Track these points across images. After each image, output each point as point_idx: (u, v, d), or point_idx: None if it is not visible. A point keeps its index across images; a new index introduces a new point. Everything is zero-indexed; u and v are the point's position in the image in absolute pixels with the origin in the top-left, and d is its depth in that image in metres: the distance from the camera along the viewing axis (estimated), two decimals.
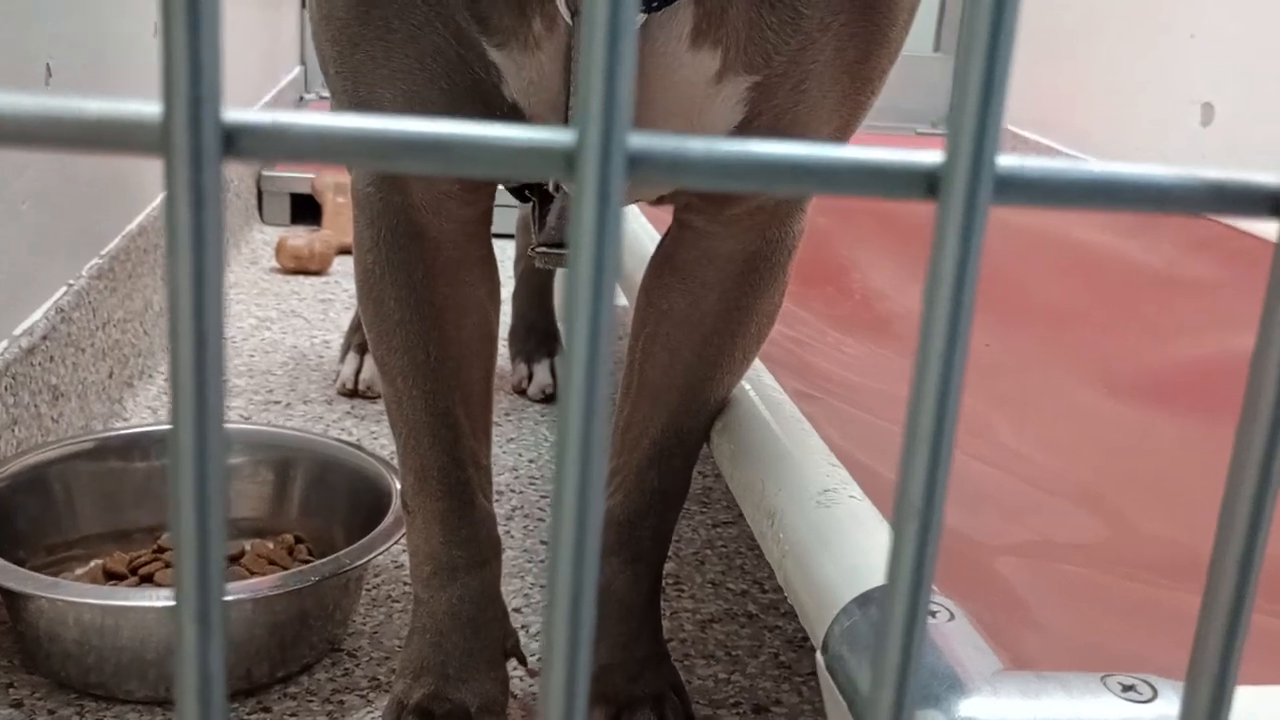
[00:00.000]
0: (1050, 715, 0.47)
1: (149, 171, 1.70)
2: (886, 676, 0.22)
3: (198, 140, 0.18)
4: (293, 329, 1.87)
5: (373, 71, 0.70)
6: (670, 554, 1.22)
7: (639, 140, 0.19)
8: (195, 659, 0.19)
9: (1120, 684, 0.48)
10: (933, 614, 0.53)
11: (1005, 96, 0.19)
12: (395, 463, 0.96)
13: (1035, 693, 0.48)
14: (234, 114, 0.18)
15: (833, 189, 0.20)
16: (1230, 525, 0.23)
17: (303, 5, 3.02)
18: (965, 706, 0.47)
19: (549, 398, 1.64)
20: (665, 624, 1.06)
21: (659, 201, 0.87)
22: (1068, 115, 2.56)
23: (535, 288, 1.68)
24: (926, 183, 0.20)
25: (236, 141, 0.18)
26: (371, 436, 1.48)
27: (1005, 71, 0.19)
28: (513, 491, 1.38)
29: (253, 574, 1.05)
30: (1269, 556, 0.78)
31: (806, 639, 1.14)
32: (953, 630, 0.52)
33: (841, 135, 0.76)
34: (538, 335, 1.68)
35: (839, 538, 0.62)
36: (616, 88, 0.18)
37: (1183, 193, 0.21)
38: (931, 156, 0.20)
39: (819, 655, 0.56)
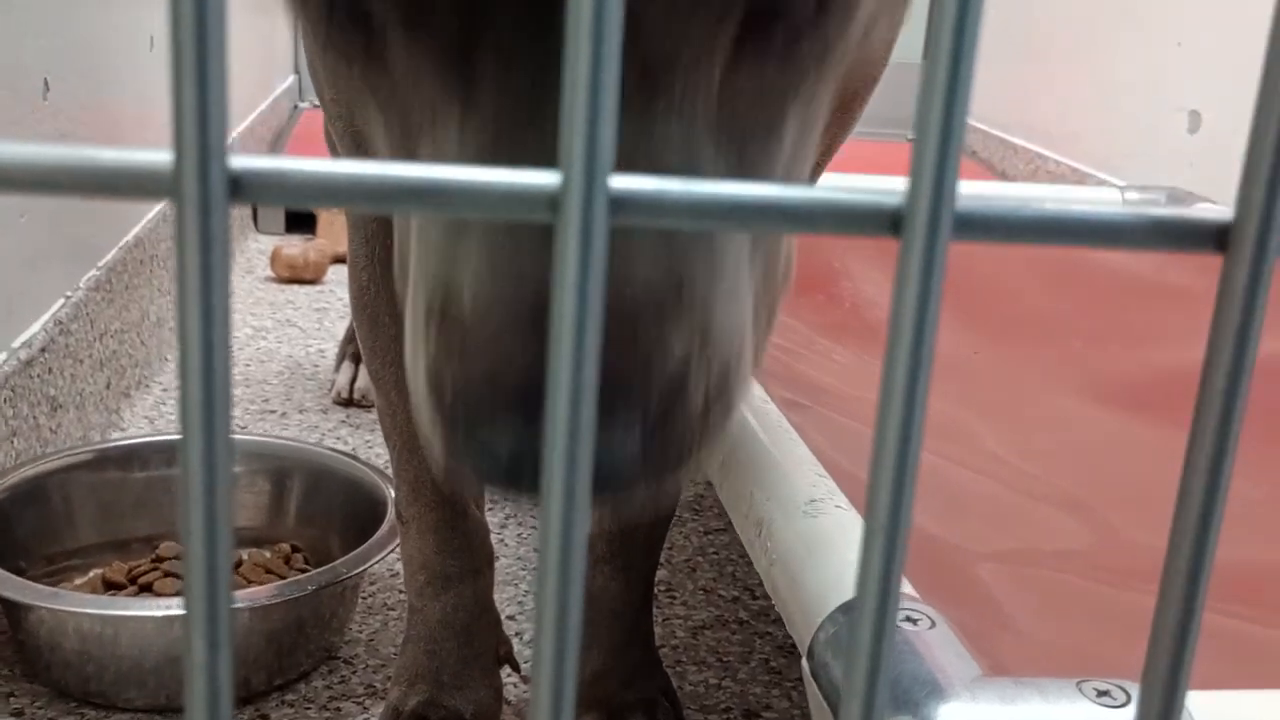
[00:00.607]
0: None
1: None
2: (856, 686, 0.23)
3: (206, 187, 0.19)
4: (288, 338, 1.89)
5: (369, 102, 0.71)
6: (662, 561, 1.23)
7: (620, 183, 0.20)
8: (204, 669, 0.21)
9: (1095, 689, 0.50)
10: (914, 621, 0.54)
11: (962, 141, 0.20)
12: (390, 472, 0.97)
13: (1012, 698, 0.49)
14: (240, 160, 0.20)
15: (803, 228, 0.21)
16: (1181, 532, 0.24)
17: None
18: (944, 712, 0.48)
19: None
20: (657, 630, 1.07)
21: None
22: (1056, 121, 2.57)
23: None
24: (890, 221, 0.21)
25: (242, 186, 0.20)
26: (366, 445, 1.50)
27: (962, 120, 0.20)
28: (506, 499, 1.39)
29: (250, 583, 1.06)
30: (1250, 564, 0.79)
31: (796, 645, 1.15)
32: (933, 637, 0.53)
33: (824, 159, 0.77)
34: None
35: (825, 547, 0.63)
36: (599, 133, 0.20)
37: (1132, 230, 0.22)
38: (895, 197, 0.21)
39: (804, 661, 0.57)
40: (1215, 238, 0.22)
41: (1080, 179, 2.39)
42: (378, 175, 0.20)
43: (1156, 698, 0.24)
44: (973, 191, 1.57)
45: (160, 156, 0.19)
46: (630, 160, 0.37)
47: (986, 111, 2.83)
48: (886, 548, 0.22)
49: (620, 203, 0.20)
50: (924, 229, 0.21)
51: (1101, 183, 2.28)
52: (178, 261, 0.20)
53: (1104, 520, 0.86)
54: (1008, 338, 1.25)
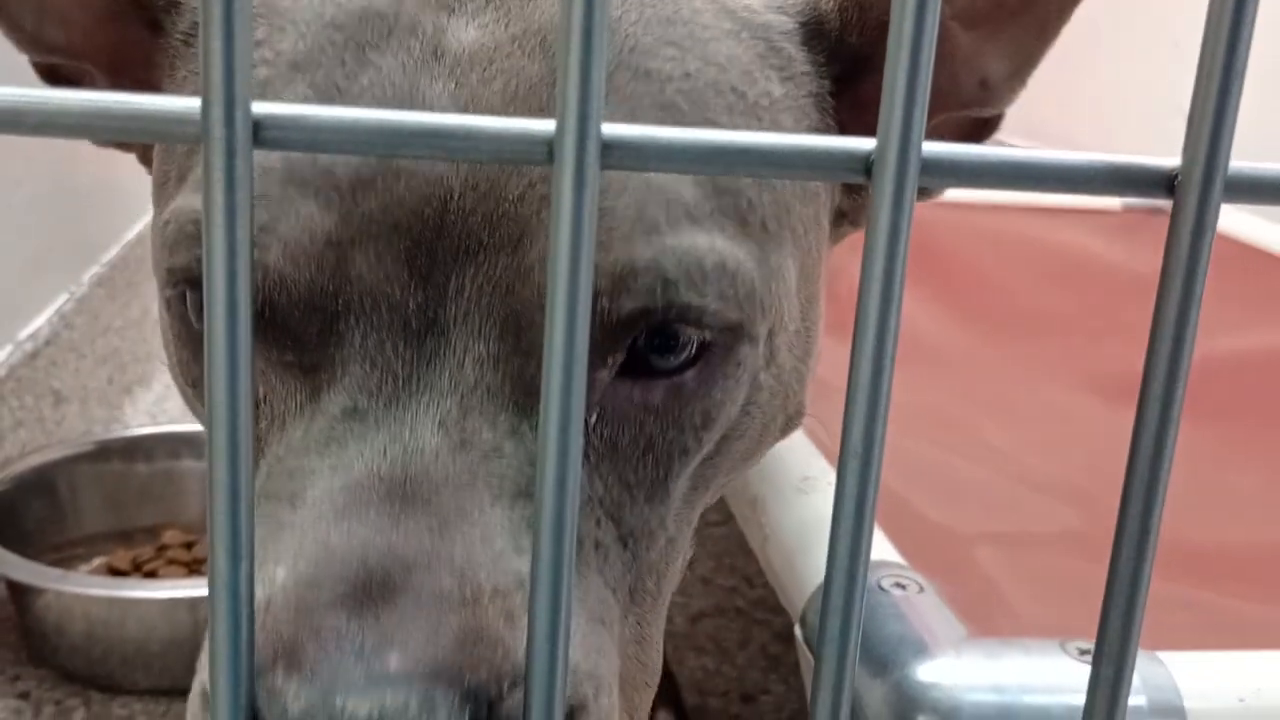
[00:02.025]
0: (1009, 676, 0.50)
1: (145, 182, 1.73)
2: (832, 635, 0.25)
3: (231, 131, 0.21)
4: None
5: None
6: None
7: (611, 129, 0.22)
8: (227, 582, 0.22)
9: (1078, 648, 0.51)
10: (902, 586, 0.56)
11: (928, 86, 0.22)
12: None
13: (997, 655, 0.51)
14: (262, 107, 0.21)
15: (782, 172, 0.23)
16: (1129, 503, 0.26)
17: None
18: (929, 668, 0.50)
19: None
20: None
21: None
22: (1053, 123, 2.59)
23: None
24: (864, 165, 0.23)
25: (263, 131, 0.21)
26: None
27: (928, 64, 0.22)
28: None
29: None
30: (1243, 545, 0.81)
31: (792, 630, 1.16)
32: (921, 600, 0.55)
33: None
34: None
35: (818, 520, 0.65)
36: (591, 82, 0.21)
37: (1089, 174, 0.24)
38: (868, 143, 0.23)
39: (797, 629, 0.59)
40: (1165, 183, 0.24)
41: None
42: (391, 121, 0.22)
43: (1113, 644, 0.25)
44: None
45: (189, 102, 0.21)
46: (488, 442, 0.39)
47: None
48: (860, 472, 0.24)
49: (612, 146, 0.22)
50: (893, 172, 0.22)
51: None
52: (204, 203, 0.21)
53: (1099, 506, 0.87)
54: (1007, 334, 1.27)
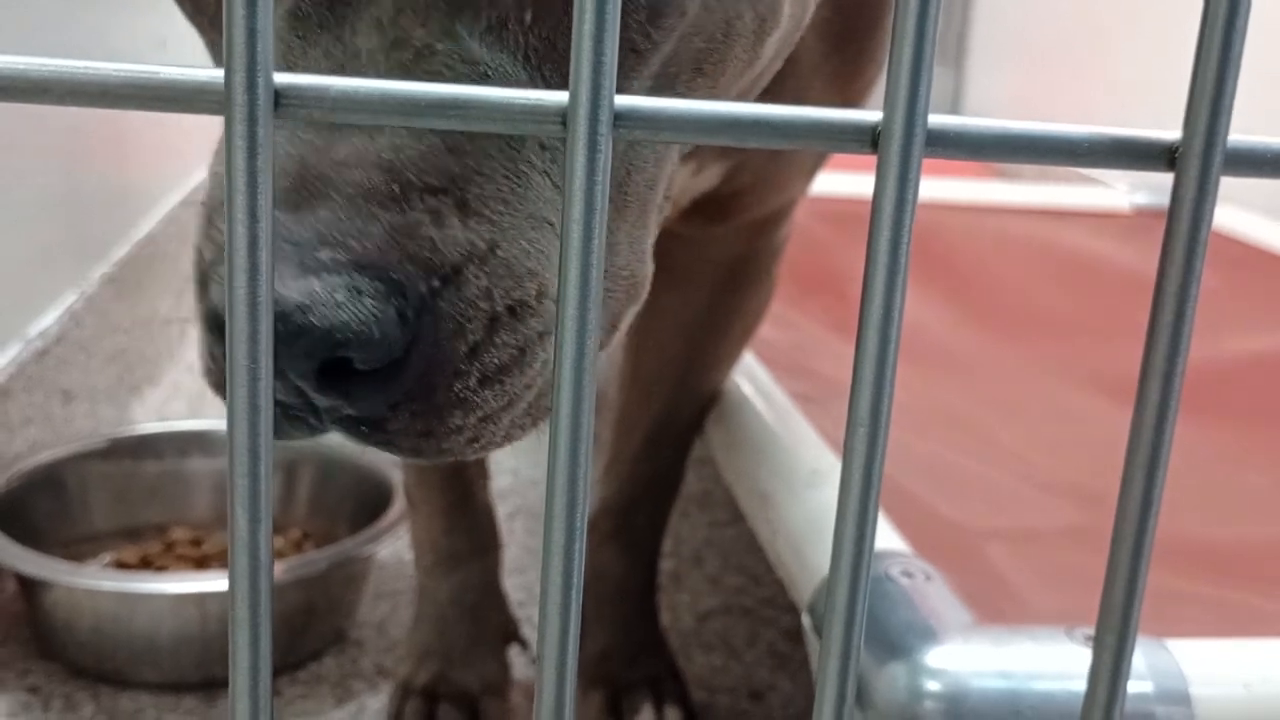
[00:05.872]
0: (1016, 662, 0.50)
1: (154, 183, 1.74)
2: (842, 571, 0.25)
3: (253, 99, 0.21)
4: None
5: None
6: (670, 552, 1.25)
7: (623, 100, 0.23)
8: (248, 628, 0.23)
9: (1085, 635, 0.52)
10: (910, 575, 0.56)
11: (933, 61, 0.22)
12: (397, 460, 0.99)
13: (1004, 642, 0.51)
14: (283, 77, 0.22)
15: (790, 141, 0.23)
16: (1129, 489, 0.26)
17: None
18: (937, 654, 0.50)
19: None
20: (665, 617, 1.09)
21: None
22: (1060, 123, 2.59)
23: None
24: (870, 137, 0.23)
25: (284, 100, 0.22)
26: None
27: (933, 39, 0.22)
28: (515, 493, 1.41)
29: None
30: (1252, 542, 0.81)
31: (800, 629, 1.17)
32: (929, 589, 0.55)
33: (818, 162, 0.79)
34: None
35: (826, 513, 0.65)
36: (604, 53, 0.22)
37: (1090, 147, 0.24)
38: (874, 115, 0.23)
39: (805, 618, 0.59)
40: (1166, 155, 0.24)
41: (1085, 180, 2.41)
42: (409, 91, 0.22)
43: (1112, 641, 0.26)
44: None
45: (213, 73, 0.22)
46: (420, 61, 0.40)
47: (990, 113, 2.84)
48: (868, 442, 0.24)
49: (623, 117, 0.22)
50: (899, 143, 0.23)
51: (1107, 185, 2.30)
52: (227, 169, 0.22)
53: (1106, 505, 0.87)
54: (1016, 335, 1.27)
